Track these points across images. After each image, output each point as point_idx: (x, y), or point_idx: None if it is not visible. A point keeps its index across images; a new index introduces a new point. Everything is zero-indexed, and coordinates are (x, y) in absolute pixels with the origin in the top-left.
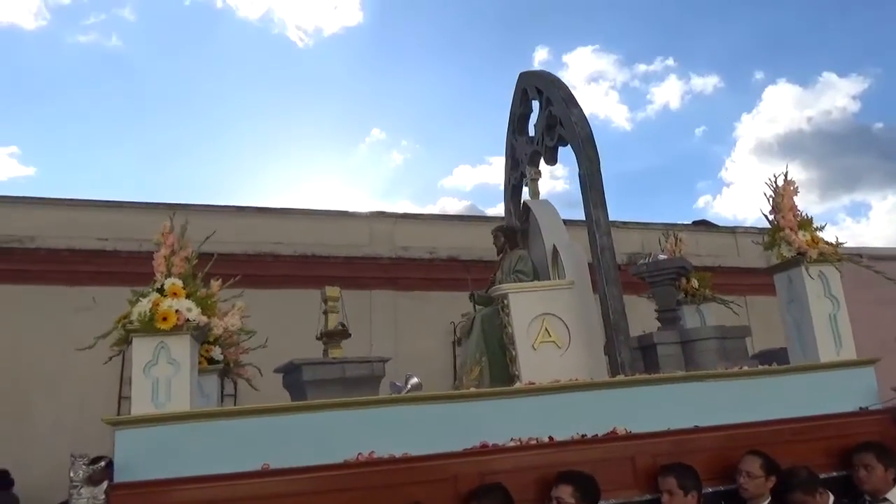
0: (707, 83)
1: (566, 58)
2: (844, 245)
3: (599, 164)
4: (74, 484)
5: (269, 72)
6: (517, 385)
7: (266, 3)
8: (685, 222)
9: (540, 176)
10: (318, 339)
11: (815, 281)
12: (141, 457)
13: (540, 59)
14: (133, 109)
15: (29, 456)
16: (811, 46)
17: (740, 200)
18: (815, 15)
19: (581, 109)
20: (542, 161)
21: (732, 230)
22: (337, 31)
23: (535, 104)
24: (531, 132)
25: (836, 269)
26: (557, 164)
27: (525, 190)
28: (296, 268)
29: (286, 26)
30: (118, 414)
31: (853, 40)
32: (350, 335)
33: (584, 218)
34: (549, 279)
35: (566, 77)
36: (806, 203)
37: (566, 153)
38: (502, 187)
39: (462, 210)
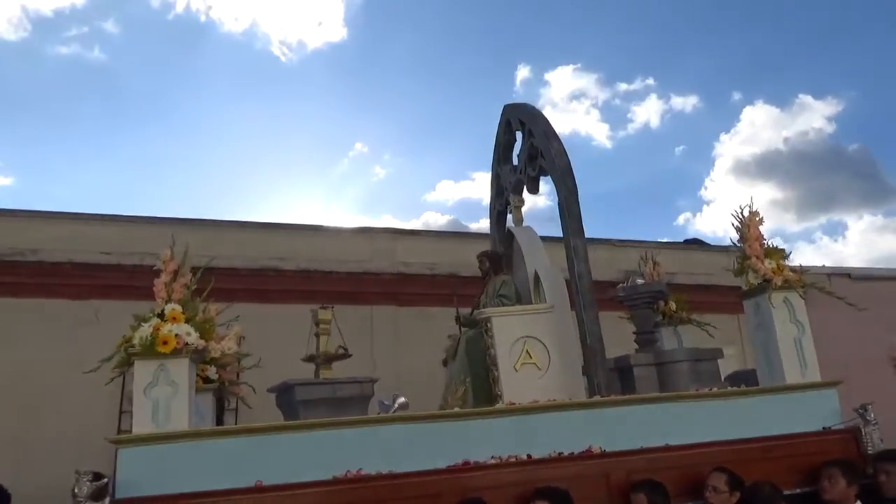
0: (687, 103)
1: (548, 76)
2: (826, 266)
3: (577, 194)
4: (78, 500)
5: (252, 86)
6: (499, 405)
7: (250, 17)
8: (678, 241)
9: (523, 203)
10: (306, 360)
11: (780, 307)
12: (142, 474)
13: (522, 76)
14: (115, 121)
15: (30, 469)
16: (788, 69)
17: (720, 219)
18: (793, 38)
19: (560, 142)
20: (524, 189)
21: (726, 249)
22: (320, 46)
23: (519, 134)
24: (515, 161)
25: (801, 295)
26: (540, 183)
27: (509, 216)
28: (298, 283)
29: (270, 41)
30: (119, 428)
31: (829, 63)
32: (350, 356)
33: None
34: (531, 303)
35: (548, 95)
36: (783, 222)
37: (548, 179)
38: (485, 203)
39: (445, 225)
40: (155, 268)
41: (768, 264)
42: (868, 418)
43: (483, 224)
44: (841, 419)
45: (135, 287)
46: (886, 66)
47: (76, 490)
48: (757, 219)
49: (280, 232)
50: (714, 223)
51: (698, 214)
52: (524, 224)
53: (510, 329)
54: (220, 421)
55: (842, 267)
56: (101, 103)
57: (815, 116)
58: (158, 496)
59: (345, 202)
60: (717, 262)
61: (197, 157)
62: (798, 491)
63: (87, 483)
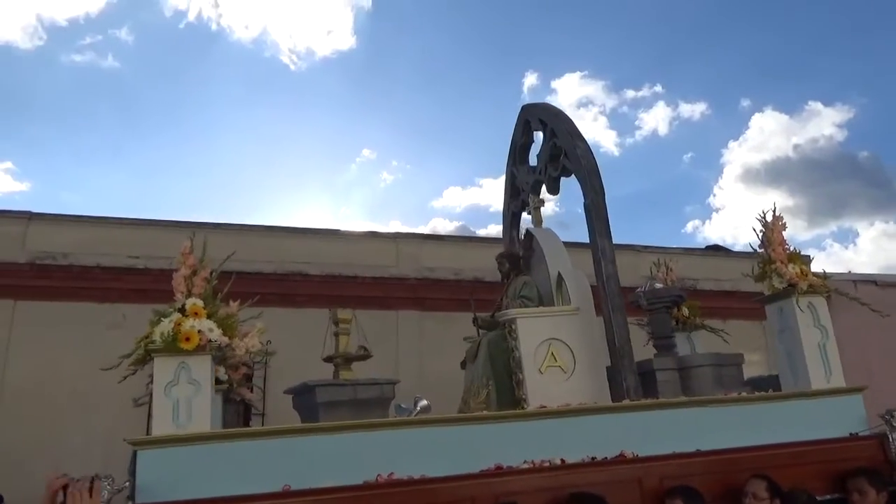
0: (695, 110)
1: (555, 83)
2: (851, 273)
3: (604, 195)
4: None
5: (261, 93)
6: (530, 408)
7: (260, 26)
8: (699, 247)
9: (543, 204)
10: (326, 360)
11: (804, 312)
12: (162, 478)
13: (529, 84)
14: (128, 128)
15: (58, 472)
16: (797, 76)
17: (729, 226)
18: (802, 45)
19: (586, 142)
20: (543, 190)
21: (749, 255)
22: (329, 54)
23: (537, 135)
24: (531, 162)
25: (825, 299)
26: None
27: (526, 217)
28: (324, 287)
29: (279, 49)
30: (148, 430)
31: (839, 70)
32: (371, 356)
33: (574, 241)
34: (553, 305)
35: (555, 103)
36: (794, 229)
37: (566, 181)
38: (493, 209)
39: (454, 231)
40: (173, 262)
41: (791, 269)
42: (894, 424)
43: (492, 230)
44: (867, 425)
45: (162, 291)
46: (894, 70)
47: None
48: (781, 222)
49: (306, 236)
50: (723, 230)
51: (707, 222)
52: (543, 225)
53: (535, 331)
54: (246, 425)
55: (868, 274)
56: (115, 110)
57: (824, 123)
58: (179, 501)
59: (353, 207)
60: (739, 268)
61: (207, 164)
62: (829, 497)
63: (108, 488)
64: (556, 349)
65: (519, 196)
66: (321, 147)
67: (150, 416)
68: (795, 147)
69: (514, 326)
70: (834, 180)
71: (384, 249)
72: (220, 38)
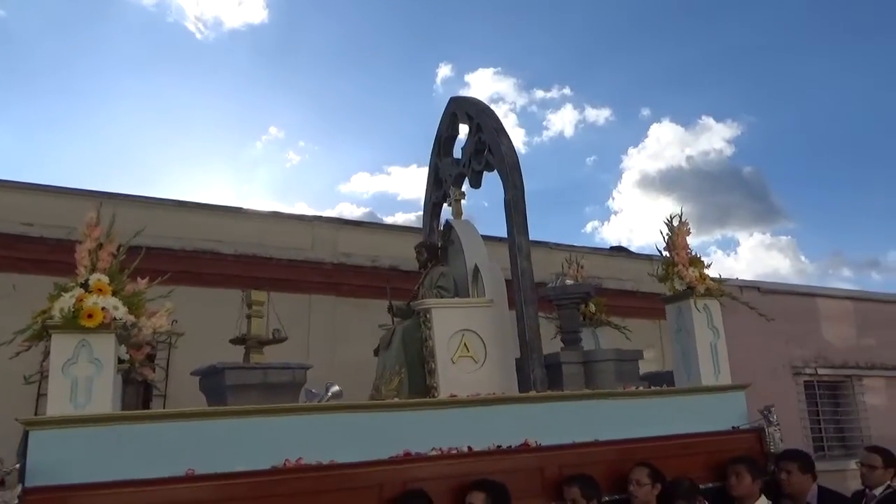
0: (600, 115)
1: (468, 77)
2: (738, 279)
3: (524, 192)
4: None
5: (163, 60)
6: (441, 397)
7: None
8: (604, 247)
9: (464, 197)
10: (234, 342)
11: (700, 313)
12: (57, 460)
13: (443, 75)
14: (10, 81)
15: None
16: (694, 90)
17: (625, 228)
18: (699, 61)
19: (510, 139)
20: (465, 183)
21: (650, 257)
22: (239, 26)
23: (462, 128)
24: (455, 154)
25: (720, 302)
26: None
27: (446, 209)
28: (236, 267)
29: (185, 16)
30: (35, 413)
31: (730, 88)
32: (286, 339)
33: (489, 234)
34: (469, 296)
35: (469, 96)
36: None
37: (489, 176)
38: (400, 198)
39: (361, 217)
40: (73, 232)
41: (692, 272)
42: (771, 420)
43: (399, 218)
44: (747, 420)
45: (59, 262)
46: (781, 94)
47: None
48: (685, 228)
49: (218, 214)
50: (620, 232)
51: (606, 223)
52: (463, 217)
53: (449, 321)
54: (146, 407)
55: (751, 280)
56: None
57: (715, 138)
58: (77, 485)
59: (257, 186)
60: (639, 268)
61: (98, 126)
62: (710, 485)
63: None
64: (469, 340)
65: (441, 187)
66: (226, 121)
67: (39, 395)
68: (688, 158)
69: (429, 316)
70: (720, 191)
71: (300, 232)
72: None
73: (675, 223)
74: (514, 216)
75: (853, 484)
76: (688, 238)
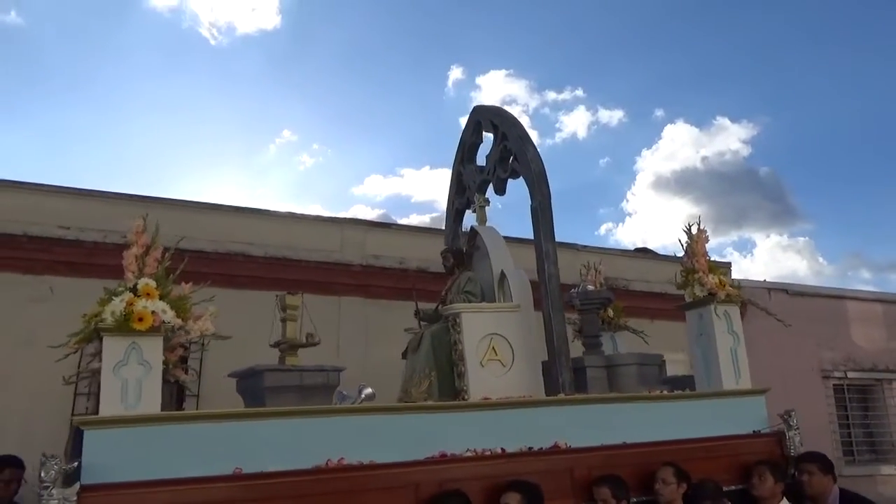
0: (613, 116)
1: (479, 80)
2: (766, 281)
3: (550, 199)
4: (45, 484)
5: (177, 64)
6: (469, 399)
7: None
8: (629, 249)
9: (488, 203)
10: (273, 346)
11: (720, 319)
12: (110, 458)
13: (454, 78)
14: (30, 88)
15: None
16: (708, 91)
17: (640, 230)
18: (713, 63)
19: (535, 148)
20: (489, 190)
21: (675, 260)
22: (252, 32)
23: (486, 136)
24: (478, 161)
25: (739, 308)
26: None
27: (469, 215)
28: (266, 270)
29: (199, 22)
30: (73, 411)
31: (746, 88)
32: (319, 343)
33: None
34: (494, 301)
35: (479, 99)
36: None
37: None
38: (413, 200)
39: (377, 219)
40: (125, 239)
41: (712, 279)
42: (791, 423)
43: (413, 220)
44: (767, 424)
45: (94, 265)
46: (796, 95)
47: (42, 474)
48: (704, 235)
49: (248, 216)
50: (635, 234)
51: (620, 225)
52: (487, 224)
53: (478, 325)
54: (180, 407)
55: (780, 283)
56: (16, 69)
57: (731, 138)
58: (130, 482)
59: (271, 188)
60: (666, 270)
61: (114, 130)
62: (733, 488)
63: (55, 467)
64: (497, 344)
65: (464, 193)
66: (239, 125)
67: (76, 394)
68: (703, 159)
69: (458, 320)
70: (736, 192)
71: (329, 234)
72: (132, 2)
73: (694, 230)
74: (541, 223)
75: (884, 489)
76: (707, 244)
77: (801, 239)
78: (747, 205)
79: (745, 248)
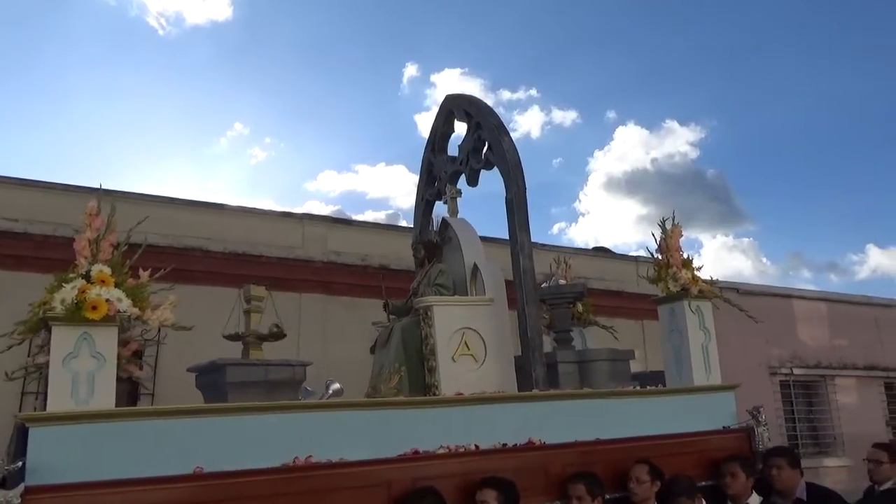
0: (566, 117)
1: (434, 77)
2: (717, 280)
3: (525, 190)
4: None
5: (124, 54)
6: (441, 395)
7: None
8: (587, 248)
9: (460, 195)
10: (229, 338)
11: (693, 314)
12: (58, 458)
13: (409, 75)
14: None
15: None
16: (658, 94)
17: (592, 230)
18: (664, 66)
19: (511, 138)
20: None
21: (635, 259)
22: (202, 22)
23: (458, 126)
24: (451, 152)
25: (713, 304)
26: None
27: (439, 206)
28: (225, 265)
29: (147, 11)
30: (19, 410)
31: (694, 92)
32: (285, 336)
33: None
34: (466, 294)
35: (434, 97)
36: (647, 236)
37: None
38: (368, 196)
39: (331, 215)
40: (76, 233)
41: (685, 274)
42: (760, 419)
43: (368, 216)
44: (736, 420)
45: (45, 259)
46: (742, 99)
47: None
48: (678, 231)
49: (206, 211)
50: (587, 234)
51: (573, 224)
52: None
53: (450, 319)
54: (134, 405)
55: (730, 282)
56: None
57: (679, 141)
58: (80, 483)
59: (222, 182)
60: (623, 269)
61: (57, 119)
62: (703, 483)
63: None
64: (470, 338)
65: (435, 184)
66: (189, 116)
67: (23, 392)
68: (653, 160)
69: (430, 313)
70: (684, 194)
71: (289, 229)
72: None
73: (668, 225)
74: (516, 215)
75: (825, 481)
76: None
77: (746, 239)
78: (694, 206)
79: (693, 248)
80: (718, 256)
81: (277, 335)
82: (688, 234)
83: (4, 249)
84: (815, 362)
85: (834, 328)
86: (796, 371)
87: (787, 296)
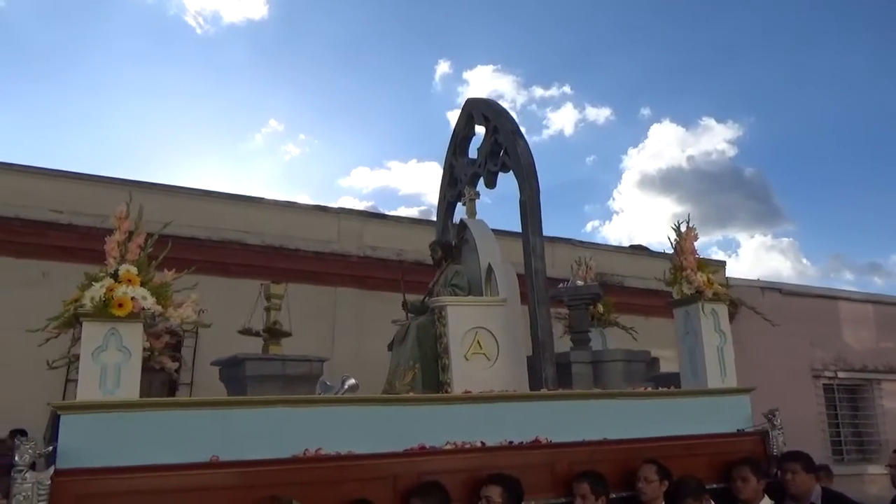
0: (600, 114)
1: (467, 74)
2: (760, 280)
3: (539, 193)
4: (19, 468)
5: (163, 52)
6: (453, 393)
7: None
8: (624, 245)
9: (478, 196)
10: (242, 332)
11: (708, 317)
12: (86, 443)
13: (441, 72)
14: (10, 70)
15: None
16: (694, 91)
17: (626, 228)
18: (701, 61)
19: (526, 142)
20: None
21: (669, 257)
22: (238, 21)
23: (478, 129)
24: (470, 154)
25: (727, 307)
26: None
27: (460, 207)
28: (262, 258)
29: (185, 10)
30: (63, 397)
31: (731, 89)
32: (289, 334)
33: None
34: (482, 294)
35: (466, 94)
36: None
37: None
38: (401, 193)
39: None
40: (101, 220)
41: (700, 277)
42: (775, 423)
43: (401, 213)
44: (752, 423)
45: (88, 250)
46: (781, 97)
47: (17, 458)
48: (693, 233)
49: (244, 204)
50: (621, 232)
51: (607, 223)
52: (477, 217)
53: (464, 319)
54: (172, 395)
55: (775, 282)
56: None
57: (716, 138)
58: (105, 468)
59: (257, 177)
60: (662, 267)
61: (99, 115)
62: (714, 486)
63: (29, 451)
64: (482, 337)
65: (456, 186)
66: (225, 113)
67: (67, 380)
68: (689, 158)
69: (444, 313)
70: (721, 192)
71: (325, 224)
72: None
73: (683, 228)
74: (529, 217)
75: (870, 488)
76: (695, 242)
77: (785, 240)
78: (732, 205)
79: (730, 247)
80: (757, 257)
81: (279, 333)
82: (725, 234)
83: (52, 240)
84: (861, 365)
85: (881, 331)
86: (840, 374)
87: (831, 297)
